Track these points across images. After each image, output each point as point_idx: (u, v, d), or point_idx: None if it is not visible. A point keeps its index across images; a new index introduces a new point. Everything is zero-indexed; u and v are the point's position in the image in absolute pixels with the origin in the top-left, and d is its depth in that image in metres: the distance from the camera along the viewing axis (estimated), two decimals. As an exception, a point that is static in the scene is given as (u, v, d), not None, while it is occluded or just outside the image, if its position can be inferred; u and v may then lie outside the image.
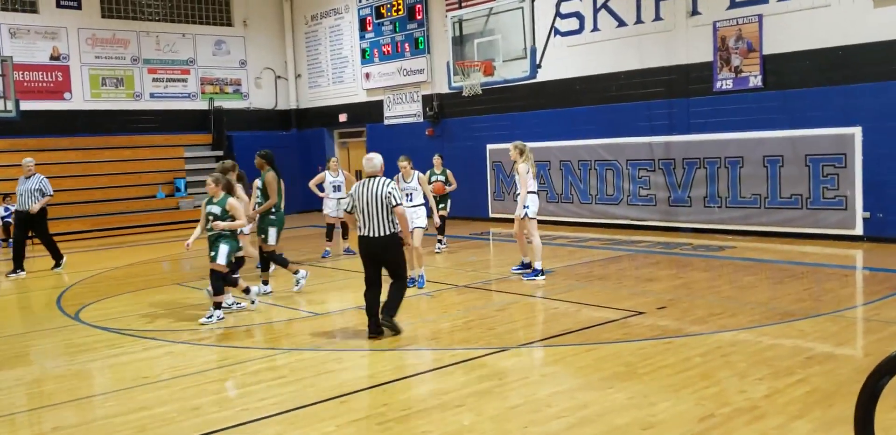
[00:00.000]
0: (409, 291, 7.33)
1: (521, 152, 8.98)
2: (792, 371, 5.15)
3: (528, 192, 8.87)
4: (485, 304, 7.97)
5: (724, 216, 12.32)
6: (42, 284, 10.49)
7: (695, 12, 12.43)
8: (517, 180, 9.24)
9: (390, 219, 6.50)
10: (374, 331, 6.49)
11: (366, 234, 6.53)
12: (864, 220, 10.84)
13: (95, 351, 6.61)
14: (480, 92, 15.03)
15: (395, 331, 6.54)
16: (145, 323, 7.53)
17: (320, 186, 11.92)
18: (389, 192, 6.48)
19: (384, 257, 6.58)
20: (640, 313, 7.08)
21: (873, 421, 2.56)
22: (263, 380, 5.48)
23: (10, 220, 11.79)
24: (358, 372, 5.66)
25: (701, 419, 4.34)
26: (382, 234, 6.48)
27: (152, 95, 19.06)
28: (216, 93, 20.00)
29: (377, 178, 6.62)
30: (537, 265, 8.96)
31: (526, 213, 8.89)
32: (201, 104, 19.71)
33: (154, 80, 19.06)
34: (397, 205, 6.48)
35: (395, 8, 17.79)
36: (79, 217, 16.34)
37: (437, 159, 12.00)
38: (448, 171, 12.00)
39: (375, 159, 6.72)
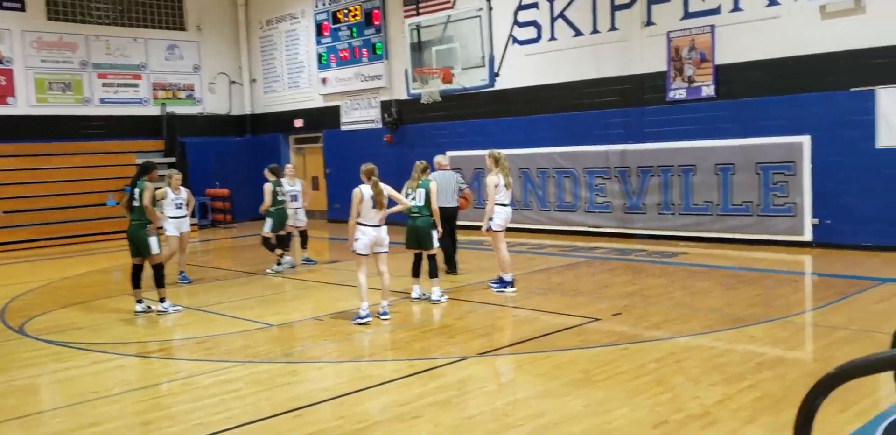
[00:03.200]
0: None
1: (497, 161, 8.63)
2: (743, 377, 5.25)
3: (497, 205, 8.63)
4: (444, 312, 7.96)
5: (677, 223, 12.53)
6: (-14, 295, 10.14)
7: (649, 23, 12.64)
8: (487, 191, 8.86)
9: (458, 196, 9.86)
10: (453, 271, 10.05)
11: (444, 205, 9.21)
12: (813, 226, 11.13)
13: (42, 365, 6.41)
14: (440, 99, 15.05)
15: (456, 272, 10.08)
16: (94, 335, 7.33)
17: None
18: (458, 180, 9.95)
19: (453, 220, 9.86)
20: (597, 320, 7.15)
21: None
22: (217, 393, 5.37)
23: None
24: (314, 384, 5.59)
25: (655, 426, 4.39)
26: (453, 205, 9.76)
27: (102, 101, 18.60)
28: (169, 98, 19.63)
29: (450, 172, 9.95)
30: (506, 277, 8.80)
31: (490, 226, 8.72)
32: (153, 110, 19.32)
33: (104, 85, 18.60)
34: (464, 189, 10.02)
35: (352, 13, 17.71)
36: (25, 226, 15.82)
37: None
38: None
39: (448, 158, 10.26)
